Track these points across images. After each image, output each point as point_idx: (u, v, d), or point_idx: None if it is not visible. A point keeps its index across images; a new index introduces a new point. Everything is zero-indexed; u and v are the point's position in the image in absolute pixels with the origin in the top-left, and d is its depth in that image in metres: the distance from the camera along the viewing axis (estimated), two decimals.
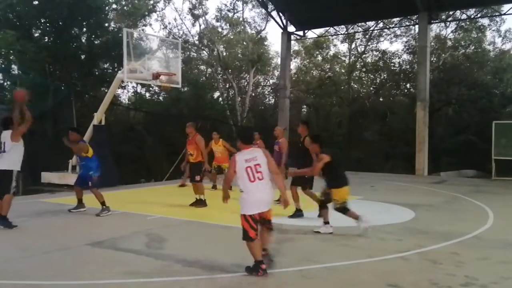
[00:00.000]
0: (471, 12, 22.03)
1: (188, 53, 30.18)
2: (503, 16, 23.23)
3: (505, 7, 19.91)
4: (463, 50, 27.04)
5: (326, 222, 6.90)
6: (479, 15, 22.29)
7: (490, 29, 26.60)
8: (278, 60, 28.46)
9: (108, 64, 24.24)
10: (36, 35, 21.69)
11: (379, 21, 23.71)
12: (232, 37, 31.07)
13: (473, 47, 26.84)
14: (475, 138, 20.69)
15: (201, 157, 8.95)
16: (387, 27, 25.86)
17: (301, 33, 22.97)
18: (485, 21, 25.56)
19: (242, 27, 31.19)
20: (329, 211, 6.96)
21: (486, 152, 17.01)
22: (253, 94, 32.12)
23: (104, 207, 8.10)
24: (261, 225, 4.87)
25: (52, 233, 6.79)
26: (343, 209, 6.79)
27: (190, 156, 9.14)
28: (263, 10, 27.18)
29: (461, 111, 24.80)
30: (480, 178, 16.91)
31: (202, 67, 32.57)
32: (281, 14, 21.59)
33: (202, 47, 31.37)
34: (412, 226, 7.56)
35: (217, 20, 31.12)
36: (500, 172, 14.96)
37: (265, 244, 4.96)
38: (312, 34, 24.36)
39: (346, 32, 27.09)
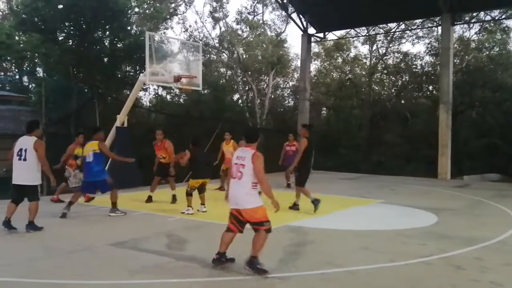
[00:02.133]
0: (495, 13, 21.58)
1: (208, 55, 30.38)
2: None
3: None
4: (487, 52, 26.51)
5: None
6: (503, 16, 21.82)
7: None
8: (298, 62, 28.38)
9: (130, 67, 24.57)
10: (61, 38, 22.11)
11: (401, 23, 23.41)
12: (252, 39, 31.15)
13: (497, 49, 26.29)
14: (499, 141, 20.24)
15: (171, 160, 9.96)
16: (409, 28, 25.53)
17: (321, 35, 22.86)
18: (510, 23, 25.04)
19: (262, 30, 31.25)
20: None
21: (511, 155, 16.64)
22: (273, 96, 32.10)
23: (114, 207, 8.28)
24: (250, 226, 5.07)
25: (74, 234, 6.91)
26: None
27: (162, 159, 10.03)
28: (283, 13, 27.17)
29: (485, 114, 24.30)
30: (504, 182, 16.54)
31: (222, 70, 32.73)
32: (301, 16, 21.54)
33: (222, 50, 31.53)
34: (434, 231, 7.44)
35: (237, 23, 31.26)
36: None
37: (253, 245, 5.01)
38: (332, 36, 24.24)
39: (367, 34, 26.86)
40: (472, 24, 24.66)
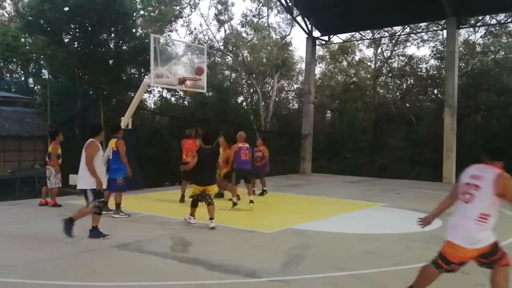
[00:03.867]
0: (501, 17, 21.50)
1: (213, 58, 30.44)
2: None
3: None
4: (493, 56, 26.42)
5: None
6: (509, 20, 21.75)
7: None
8: (302, 65, 28.40)
9: (135, 69, 24.67)
10: (66, 40, 22.25)
11: (406, 26, 23.36)
12: (256, 42, 31.20)
13: (503, 53, 26.20)
14: (504, 145, 20.16)
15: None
16: (414, 32, 25.48)
17: (326, 38, 22.86)
18: None
19: (267, 32, 31.29)
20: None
21: None
22: (277, 99, 32.11)
23: (118, 209, 8.28)
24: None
25: (79, 235, 6.91)
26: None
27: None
28: (288, 16, 27.19)
29: (490, 117, 24.19)
30: None
31: (227, 72, 32.79)
32: (306, 19, 21.55)
33: (227, 52, 31.59)
34: (439, 235, 7.34)
35: (242, 26, 31.34)
36: None
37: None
38: (337, 39, 24.23)
39: (372, 37, 26.83)
40: (477, 28, 24.57)
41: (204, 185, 7.60)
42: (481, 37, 26.96)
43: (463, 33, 25.66)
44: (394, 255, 5.99)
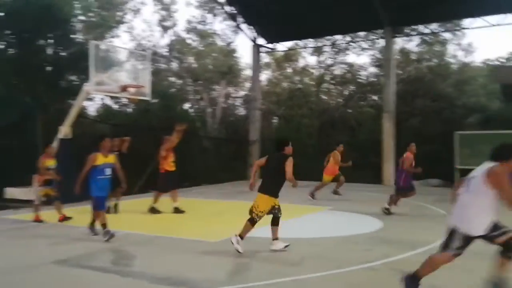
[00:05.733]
0: (434, 26, 22.81)
1: (157, 64, 29.97)
2: (463, 30, 24.13)
3: (466, 22, 20.73)
4: (427, 63, 27.90)
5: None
6: (441, 30, 23.13)
7: (452, 43, 27.60)
8: (249, 72, 28.62)
9: (75, 76, 23.77)
10: (1, 47, 21.08)
11: (346, 35, 24.19)
12: (202, 48, 31.09)
13: (436, 60, 27.73)
14: (439, 148, 21.27)
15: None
16: (354, 40, 26.45)
17: (271, 45, 23.22)
18: (447, 35, 26.51)
19: (212, 39, 31.27)
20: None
21: (450, 162, 17.58)
22: (224, 106, 32.13)
23: (104, 230, 7.27)
24: None
25: (17, 251, 6.57)
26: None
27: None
28: (233, 23, 27.36)
29: (426, 122, 25.49)
30: (444, 187, 17.41)
31: (172, 79, 32.38)
32: (251, 27, 21.80)
33: (172, 59, 31.24)
34: (380, 236, 7.70)
35: (187, 32, 31.12)
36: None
37: None
38: (282, 47, 24.67)
39: (314, 46, 27.58)
40: (412, 37, 25.89)
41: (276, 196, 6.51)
42: (416, 45, 28.43)
43: (400, 42, 26.96)
44: (336, 258, 6.16)
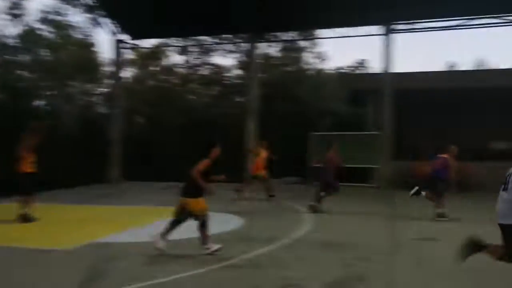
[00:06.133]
0: (292, 34, 24.49)
1: (5, 57, 26.76)
2: (318, 40, 26.36)
3: (321, 32, 22.75)
4: (286, 68, 29.75)
5: None
6: (298, 38, 24.90)
7: (308, 51, 29.89)
8: (110, 68, 27.26)
9: None
10: None
11: (212, 37, 24.56)
12: (58, 41, 28.64)
13: (294, 66, 29.75)
14: (296, 148, 22.82)
15: None
16: (219, 43, 27.03)
17: (135, 42, 22.44)
18: (304, 43, 28.62)
19: (69, 32, 29.00)
20: None
21: (305, 161, 19.11)
22: (83, 103, 30.06)
23: None
24: None
25: None
26: None
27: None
28: (93, 15, 25.77)
29: (286, 123, 27.16)
30: (299, 184, 18.89)
31: (23, 72, 29.22)
32: (112, 21, 20.79)
33: (22, 51, 28.17)
34: (239, 233, 8.00)
35: (42, 22, 28.37)
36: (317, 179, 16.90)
37: None
38: (147, 44, 23.99)
39: (180, 45, 27.45)
40: (273, 43, 27.39)
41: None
42: (277, 51, 30.12)
43: (263, 46, 28.32)
44: (197, 258, 6.21)
